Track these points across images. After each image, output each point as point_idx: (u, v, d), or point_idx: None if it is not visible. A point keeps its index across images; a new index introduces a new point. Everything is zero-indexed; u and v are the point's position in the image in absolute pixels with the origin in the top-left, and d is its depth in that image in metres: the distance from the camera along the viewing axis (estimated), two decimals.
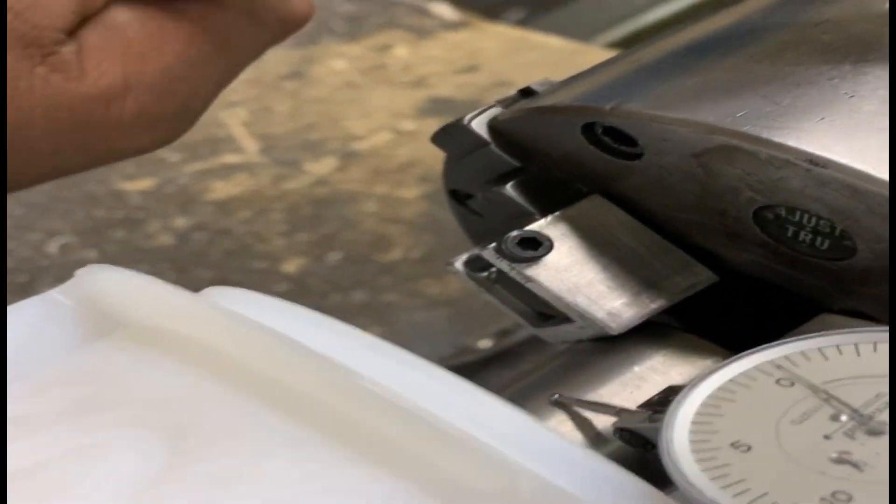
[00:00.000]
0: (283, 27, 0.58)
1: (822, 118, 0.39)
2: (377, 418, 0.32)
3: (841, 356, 0.37)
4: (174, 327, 0.34)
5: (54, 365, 0.34)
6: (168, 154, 1.26)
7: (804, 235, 0.40)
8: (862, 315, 0.41)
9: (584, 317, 0.42)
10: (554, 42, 1.26)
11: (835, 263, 0.40)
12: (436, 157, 0.51)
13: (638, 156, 0.42)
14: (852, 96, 0.39)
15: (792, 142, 0.38)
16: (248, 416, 0.32)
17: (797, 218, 0.40)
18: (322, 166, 1.20)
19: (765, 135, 0.39)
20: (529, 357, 1.06)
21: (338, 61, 1.34)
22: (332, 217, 1.14)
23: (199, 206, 1.17)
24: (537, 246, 0.43)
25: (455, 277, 0.46)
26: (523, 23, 1.63)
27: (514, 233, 0.43)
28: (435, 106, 1.24)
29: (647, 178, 0.43)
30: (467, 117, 0.47)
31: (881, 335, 0.36)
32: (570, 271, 0.43)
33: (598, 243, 0.43)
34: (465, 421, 0.32)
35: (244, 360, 0.33)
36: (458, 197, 0.51)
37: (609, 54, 1.29)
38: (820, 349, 0.37)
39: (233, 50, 0.57)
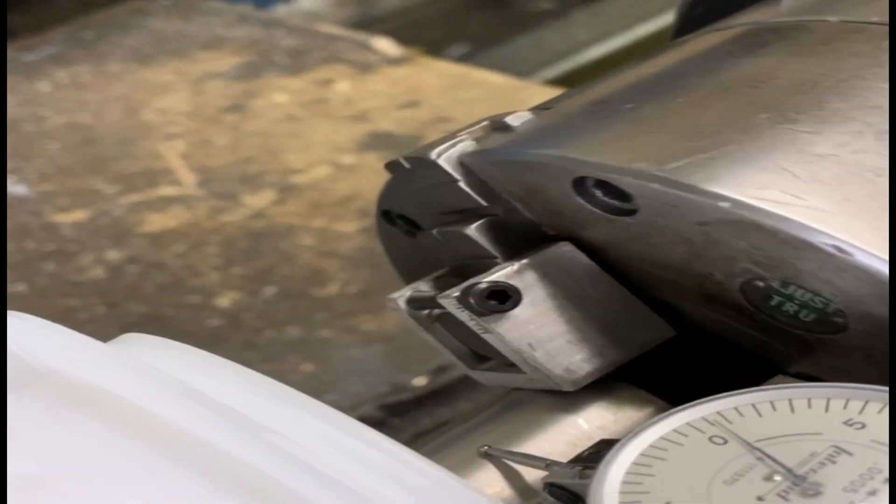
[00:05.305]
0: None
1: (847, 198, 0.36)
2: (276, 470, 0.30)
3: (775, 412, 0.35)
4: (83, 378, 0.32)
5: None
6: (103, 186, 1.24)
7: (789, 307, 0.38)
8: (815, 379, 0.39)
9: (541, 371, 0.39)
10: (495, 79, 1.25)
11: (815, 336, 0.38)
12: (375, 191, 0.48)
13: (630, 212, 0.39)
14: (871, 171, 0.36)
15: (818, 225, 0.35)
16: (145, 467, 0.30)
17: (789, 291, 0.37)
18: (260, 199, 1.18)
19: (790, 214, 0.35)
20: (465, 395, 1.05)
21: (279, 95, 1.32)
22: (269, 251, 1.12)
23: (133, 238, 1.15)
24: (505, 298, 0.39)
25: (393, 313, 0.42)
26: (465, 58, 1.63)
27: (483, 284, 0.39)
28: (375, 140, 1.23)
29: (632, 234, 0.39)
30: (434, 152, 0.42)
31: (814, 391, 0.35)
32: (533, 324, 0.39)
33: (564, 295, 0.40)
34: (367, 473, 0.30)
35: (149, 411, 0.32)
36: (389, 217, 0.46)
37: (549, 91, 1.29)
38: (754, 405, 0.35)
39: None
